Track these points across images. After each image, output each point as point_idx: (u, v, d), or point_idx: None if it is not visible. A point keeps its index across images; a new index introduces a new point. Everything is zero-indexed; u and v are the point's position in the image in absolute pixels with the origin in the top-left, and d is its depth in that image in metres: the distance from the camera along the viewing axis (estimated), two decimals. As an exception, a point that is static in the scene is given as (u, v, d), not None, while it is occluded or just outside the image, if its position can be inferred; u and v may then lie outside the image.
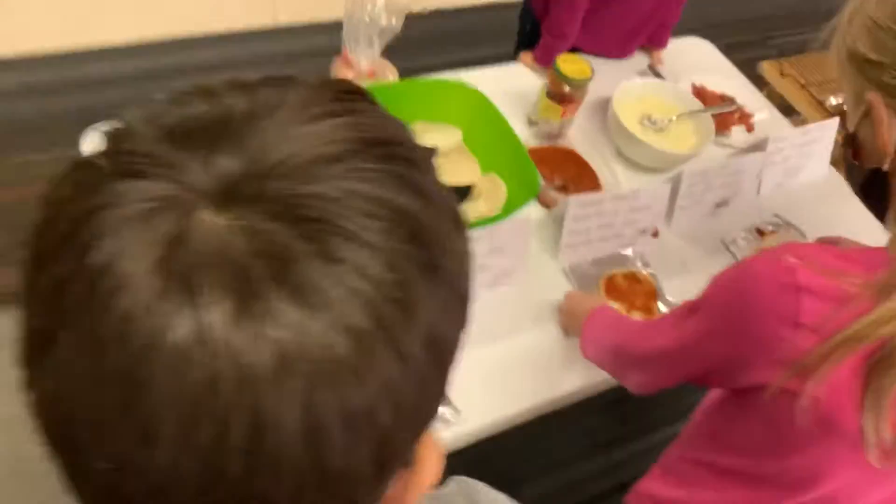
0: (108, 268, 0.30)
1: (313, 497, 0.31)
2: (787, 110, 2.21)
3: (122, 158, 0.33)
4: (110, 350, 0.29)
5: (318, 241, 0.31)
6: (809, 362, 0.80)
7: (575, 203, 1.35)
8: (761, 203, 1.64)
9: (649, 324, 1.11)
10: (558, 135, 1.61)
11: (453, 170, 1.39)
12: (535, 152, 1.53)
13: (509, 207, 1.36)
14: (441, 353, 0.35)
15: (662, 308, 1.39)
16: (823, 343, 0.79)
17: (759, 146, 1.64)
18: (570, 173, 1.55)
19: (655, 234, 1.49)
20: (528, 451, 2.00)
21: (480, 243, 1.26)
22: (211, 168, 0.32)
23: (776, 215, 1.61)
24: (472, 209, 1.36)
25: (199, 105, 0.35)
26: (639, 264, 1.45)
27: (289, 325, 0.29)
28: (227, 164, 0.32)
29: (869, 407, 0.79)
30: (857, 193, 1.68)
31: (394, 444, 0.33)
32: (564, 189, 1.51)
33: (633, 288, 1.40)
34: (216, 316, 0.28)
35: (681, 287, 1.41)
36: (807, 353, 0.81)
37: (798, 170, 1.69)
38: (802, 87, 2.48)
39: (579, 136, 1.61)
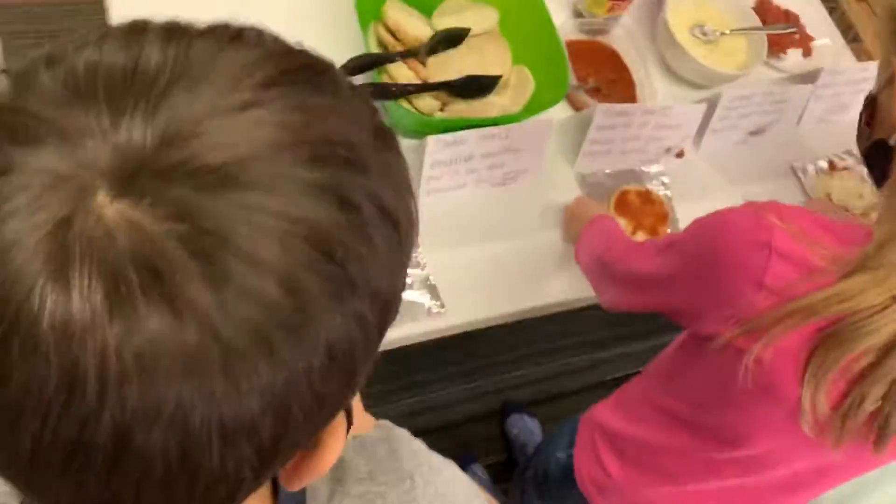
0: None
1: (183, 493, 0.31)
2: (856, 38, 2.07)
3: (19, 119, 0.30)
4: None
5: (207, 258, 0.28)
6: (762, 323, 0.80)
7: (602, 112, 1.29)
8: (799, 136, 1.56)
9: (635, 245, 1.10)
10: (602, 31, 1.52)
11: (482, 56, 1.33)
12: (573, 45, 1.45)
13: (534, 105, 1.30)
14: (347, 359, 0.33)
15: (670, 233, 1.37)
16: (779, 307, 0.79)
17: (810, 76, 1.55)
18: (607, 75, 1.48)
19: (680, 155, 1.44)
20: (515, 339, 2.04)
21: (496, 141, 1.22)
22: (114, 135, 0.29)
23: (848, 151, 1.55)
24: (495, 102, 1.31)
25: (115, 52, 0.32)
26: (657, 185, 1.41)
27: (155, 332, 0.28)
28: (134, 134, 0.30)
29: (810, 378, 0.79)
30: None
31: (278, 448, 0.32)
32: (597, 92, 1.45)
33: (643, 208, 1.37)
34: (81, 307, 0.27)
35: (695, 213, 1.38)
36: (761, 314, 0.80)
37: (845, 107, 1.60)
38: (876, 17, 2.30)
39: (624, 36, 1.52)
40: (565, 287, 1.27)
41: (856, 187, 1.49)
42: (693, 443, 1.03)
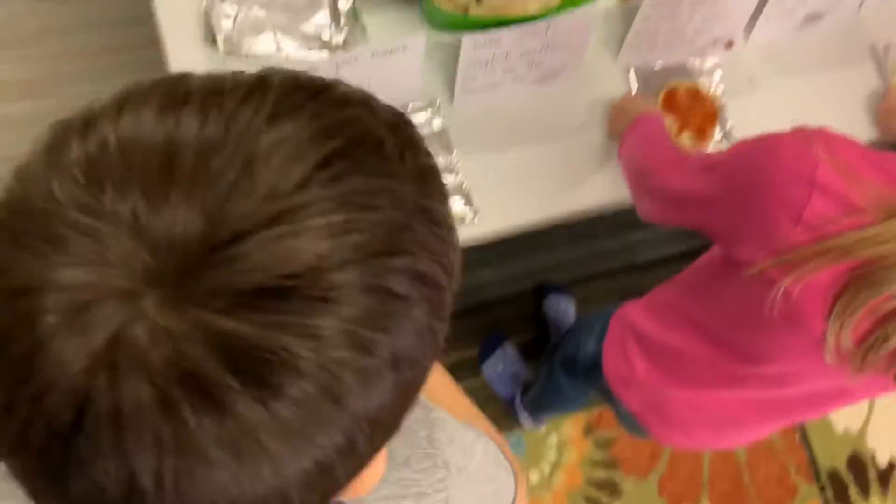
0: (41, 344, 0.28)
1: None
2: None
3: (49, 222, 0.29)
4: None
5: (254, 377, 0.28)
6: (795, 258, 0.80)
7: (650, 2, 1.22)
8: (861, 22, 1.46)
9: (676, 159, 1.07)
10: None
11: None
12: (621, -77, 1.34)
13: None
14: (389, 420, 0.34)
15: (718, 134, 1.32)
16: (815, 244, 0.79)
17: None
18: (655, -44, 1.37)
19: (729, 46, 1.36)
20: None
21: (536, 38, 1.16)
22: (154, 230, 0.29)
23: None
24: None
25: (151, 126, 0.30)
26: (709, 80, 1.34)
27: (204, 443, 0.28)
28: (176, 230, 0.29)
29: (836, 316, 0.80)
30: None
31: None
32: (643, -23, 1.35)
33: (692, 106, 1.31)
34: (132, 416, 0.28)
35: (743, 109, 1.33)
36: (796, 248, 0.80)
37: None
38: None
39: None
40: (601, 191, 1.25)
41: None
42: (718, 355, 1.05)
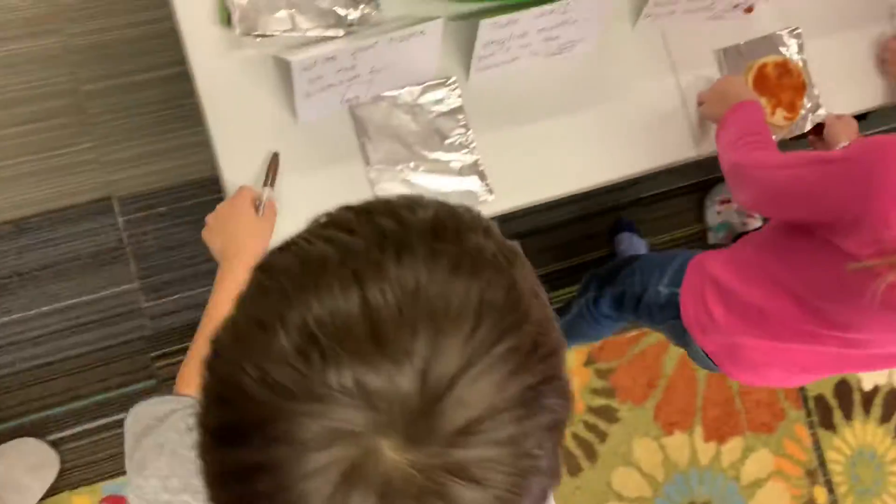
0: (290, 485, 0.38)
1: None
2: None
3: (305, 382, 0.38)
4: None
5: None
6: None
7: (670, -26, 1.19)
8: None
9: (784, 158, 1.10)
10: None
11: None
12: None
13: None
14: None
15: (807, 104, 1.35)
16: None
17: None
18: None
19: (749, 10, 1.34)
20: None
21: (554, 16, 1.15)
22: (384, 388, 0.37)
23: None
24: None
25: (342, 300, 0.39)
26: (792, 51, 1.35)
27: None
28: (402, 386, 0.37)
29: None
30: None
31: None
32: (666, -66, 1.31)
33: (781, 81, 1.32)
34: None
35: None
36: None
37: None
38: None
39: None
40: (618, 163, 1.27)
41: None
42: (801, 315, 1.13)
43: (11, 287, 1.69)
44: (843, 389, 2.17)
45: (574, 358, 1.99)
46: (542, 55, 1.24)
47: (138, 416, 0.79)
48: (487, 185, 1.21)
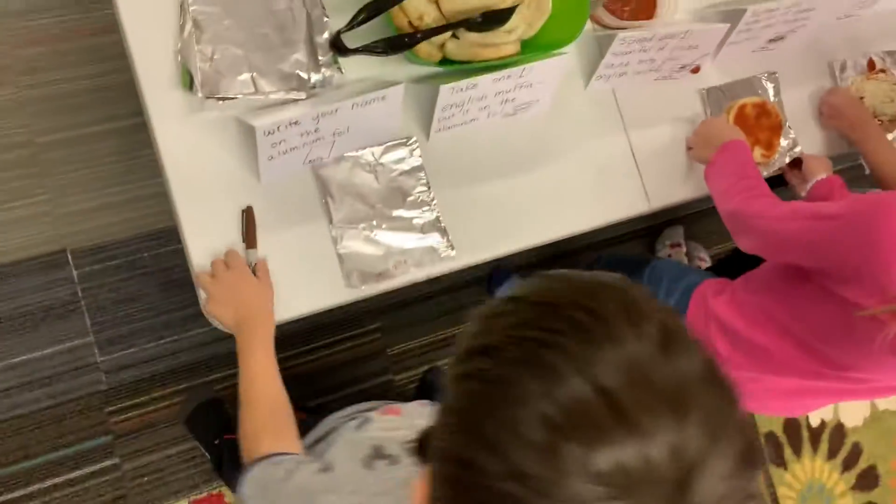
0: None
1: None
2: None
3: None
4: None
5: None
6: None
7: (620, 40, 1.25)
8: (823, 37, 1.51)
9: (784, 209, 1.17)
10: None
11: (498, -29, 1.24)
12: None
13: (549, 27, 1.25)
14: None
15: (784, 143, 1.43)
16: None
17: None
18: (627, -22, 1.39)
19: (696, 71, 1.40)
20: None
21: (511, 80, 1.19)
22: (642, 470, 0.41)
23: (887, 52, 1.55)
24: (510, 28, 1.24)
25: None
26: (770, 91, 1.45)
27: None
28: (656, 458, 0.41)
29: None
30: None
31: None
32: (615, 3, 1.37)
33: (759, 121, 1.41)
34: None
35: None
36: None
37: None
38: None
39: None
40: (573, 219, 1.31)
41: (888, 92, 1.49)
42: (804, 356, 1.19)
43: (-39, 344, 1.65)
44: (792, 426, 2.23)
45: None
46: (499, 116, 1.28)
47: (260, 483, 0.85)
48: (449, 241, 1.23)
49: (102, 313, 1.73)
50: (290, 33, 1.18)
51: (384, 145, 1.22)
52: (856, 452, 2.29)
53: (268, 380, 1.03)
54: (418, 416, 1.00)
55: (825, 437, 2.27)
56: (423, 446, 0.54)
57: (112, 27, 1.77)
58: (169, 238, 1.79)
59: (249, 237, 1.13)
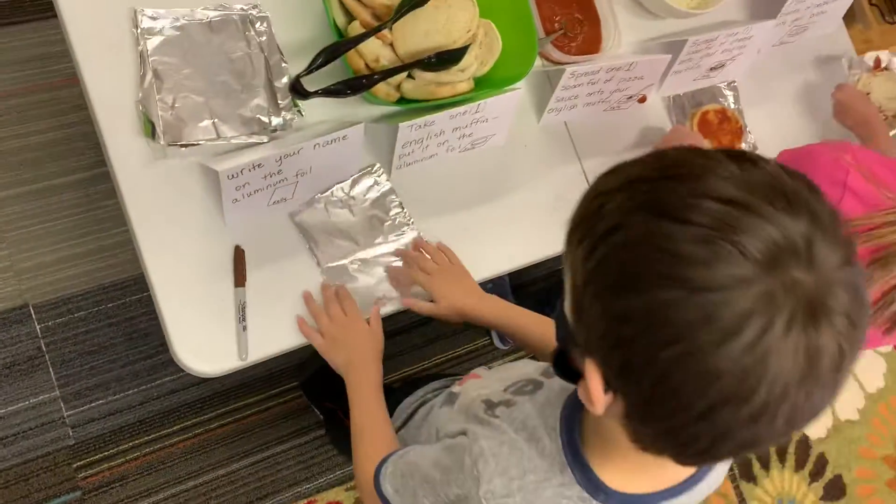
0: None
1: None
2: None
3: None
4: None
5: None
6: None
7: (569, 74, 1.30)
8: (760, 63, 1.59)
9: None
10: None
11: (448, 13, 1.29)
12: (540, -16, 1.41)
13: (501, 68, 1.30)
14: None
15: (744, 146, 1.51)
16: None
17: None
18: (572, 13, 1.45)
19: (643, 101, 1.46)
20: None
21: (467, 116, 1.23)
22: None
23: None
24: (463, 66, 1.29)
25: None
26: (730, 99, 1.53)
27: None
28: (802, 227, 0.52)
29: None
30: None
31: None
32: (563, 36, 1.43)
33: (721, 126, 1.48)
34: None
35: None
36: None
37: (804, 29, 1.62)
38: None
39: (591, -33, 1.47)
40: (536, 247, 1.34)
41: (893, 89, 1.61)
42: None
43: (-80, 406, 1.62)
44: (759, 441, 2.28)
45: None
46: (458, 150, 1.32)
47: (397, 473, 0.91)
48: (415, 278, 1.25)
49: (68, 367, 1.72)
50: (249, 79, 1.21)
51: (351, 178, 1.25)
52: (821, 463, 2.35)
53: (376, 417, 1.10)
54: (500, 373, 1.05)
55: (791, 449, 2.32)
56: (563, 361, 0.66)
57: (67, 82, 1.79)
58: (132, 288, 1.78)
59: (238, 276, 1.14)
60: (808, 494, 2.31)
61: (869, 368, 2.50)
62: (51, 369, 1.70)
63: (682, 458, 0.62)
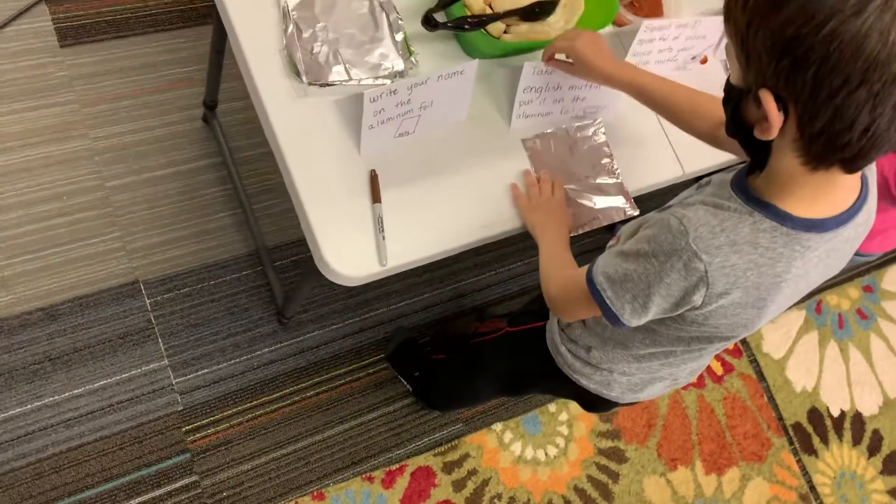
0: None
1: None
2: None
3: None
4: None
5: None
6: None
7: (645, 27, 1.48)
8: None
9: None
10: (629, -54, 1.68)
11: (538, -21, 1.48)
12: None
13: (584, 22, 1.48)
14: None
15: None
16: None
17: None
18: (637, -11, 1.65)
19: (704, 62, 1.64)
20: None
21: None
22: None
23: None
24: (552, 22, 1.47)
25: None
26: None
27: None
28: None
29: None
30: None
31: None
32: (630, 6, 1.62)
33: None
34: None
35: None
36: None
37: None
38: None
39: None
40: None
41: None
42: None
43: (43, 372, 1.72)
44: (815, 416, 2.37)
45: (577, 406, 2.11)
46: (571, 115, 1.48)
47: (603, 268, 1.03)
48: (631, 203, 1.43)
49: (175, 338, 1.83)
50: (372, 32, 1.39)
51: (575, 125, 1.47)
52: (877, 438, 2.42)
53: (565, 258, 1.27)
54: None
55: (847, 425, 2.40)
56: (736, 118, 0.86)
57: (171, 86, 1.98)
58: (233, 267, 1.92)
59: (374, 194, 1.28)
60: (868, 468, 2.37)
61: (911, 350, 2.62)
62: (160, 340, 1.82)
63: (845, 162, 0.78)
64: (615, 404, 1.37)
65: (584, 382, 1.31)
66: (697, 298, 0.90)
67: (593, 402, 1.39)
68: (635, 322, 0.99)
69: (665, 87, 1.29)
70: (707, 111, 1.25)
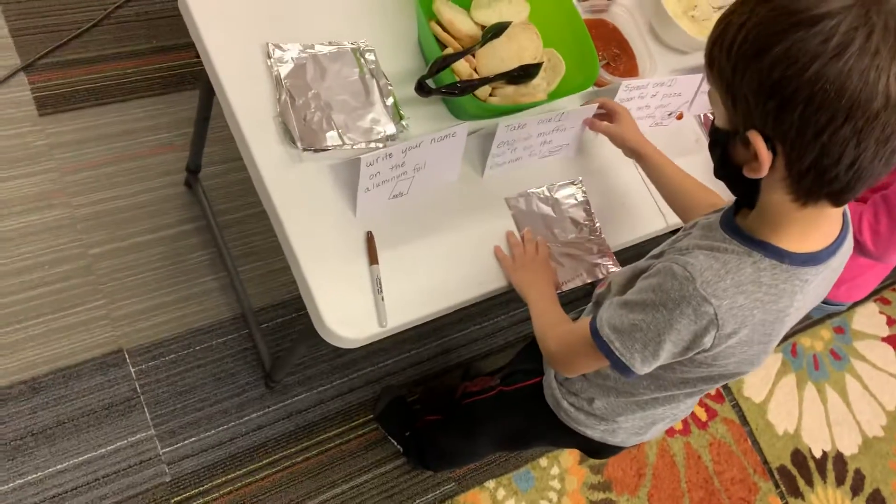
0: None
1: None
2: None
3: None
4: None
5: None
6: None
7: (625, 87, 1.54)
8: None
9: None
10: (602, 10, 1.75)
11: (519, 44, 1.53)
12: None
13: (565, 82, 1.53)
14: None
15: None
16: None
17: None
18: (611, 50, 1.72)
19: (680, 117, 1.71)
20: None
21: (551, 123, 1.44)
22: None
23: None
24: (536, 84, 1.52)
25: None
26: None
27: None
28: None
29: None
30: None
31: None
32: (606, 66, 1.69)
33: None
34: None
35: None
36: None
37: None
38: None
39: (621, 13, 1.76)
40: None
41: None
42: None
43: (25, 448, 1.67)
44: (798, 458, 2.40)
45: (569, 458, 2.12)
46: (538, 157, 1.52)
47: (608, 320, 1.03)
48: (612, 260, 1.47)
49: (161, 407, 1.80)
50: (363, 98, 1.42)
51: (557, 184, 1.51)
52: (859, 478, 2.46)
53: (558, 314, 1.28)
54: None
55: (829, 466, 2.43)
56: (725, 163, 0.90)
57: (151, 153, 1.99)
58: (218, 332, 1.90)
59: (371, 256, 1.30)
60: (852, 509, 2.40)
61: (886, 389, 2.67)
62: (146, 409, 1.78)
63: (833, 195, 0.84)
64: (619, 449, 1.38)
65: (588, 433, 1.32)
66: (708, 341, 0.93)
67: (597, 450, 1.40)
68: (646, 370, 1.01)
69: (678, 174, 1.42)
70: (702, 200, 1.35)
